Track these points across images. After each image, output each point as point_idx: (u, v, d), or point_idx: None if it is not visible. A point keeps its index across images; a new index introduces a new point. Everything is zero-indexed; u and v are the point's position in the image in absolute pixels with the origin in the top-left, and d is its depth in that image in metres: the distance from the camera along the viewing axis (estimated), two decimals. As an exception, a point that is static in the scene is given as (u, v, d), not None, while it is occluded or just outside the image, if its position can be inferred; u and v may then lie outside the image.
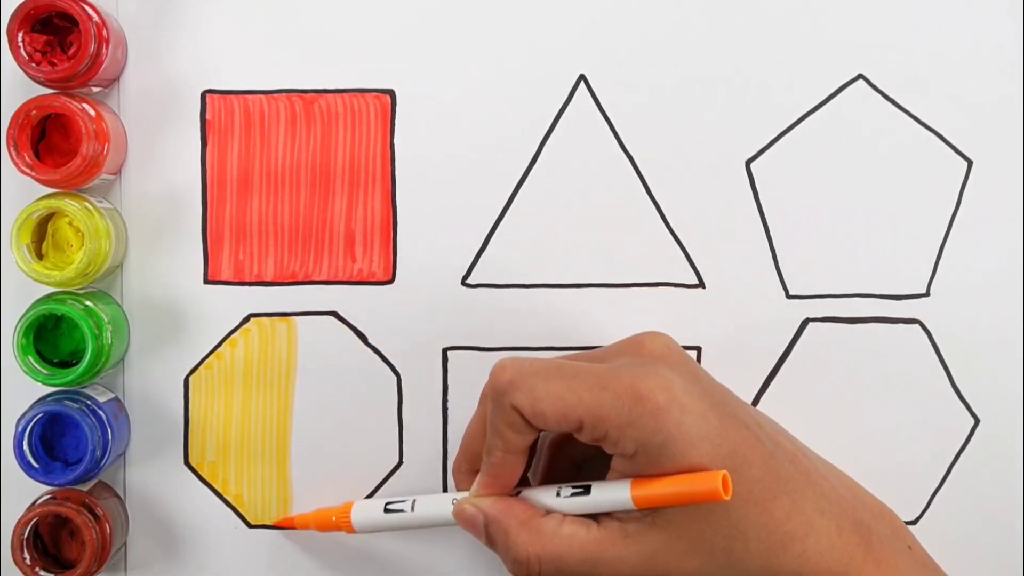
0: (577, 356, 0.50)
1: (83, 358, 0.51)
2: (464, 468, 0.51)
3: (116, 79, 0.55)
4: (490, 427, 0.48)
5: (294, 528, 0.55)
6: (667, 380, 0.45)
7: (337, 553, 0.56)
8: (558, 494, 0.48)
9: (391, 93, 0.55)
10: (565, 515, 0.47)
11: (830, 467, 0.51)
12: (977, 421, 0.56)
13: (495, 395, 0.47)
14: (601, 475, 0.47)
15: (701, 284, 0.55)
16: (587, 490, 0.47)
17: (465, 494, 0.50)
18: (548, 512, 0.48)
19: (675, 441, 0.44)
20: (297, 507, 0.56)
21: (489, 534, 0.48)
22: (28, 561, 0.51)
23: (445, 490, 0.56)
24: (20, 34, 0.51)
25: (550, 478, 0.51)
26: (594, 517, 0.47)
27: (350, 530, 0.53)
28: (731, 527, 0.45)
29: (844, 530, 0.46)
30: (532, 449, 0.49)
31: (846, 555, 0.46)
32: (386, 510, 0.52)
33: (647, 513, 0.46)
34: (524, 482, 0.50)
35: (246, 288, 0.55)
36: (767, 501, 0.45)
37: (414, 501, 0.51)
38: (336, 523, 0.53)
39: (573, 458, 0.51)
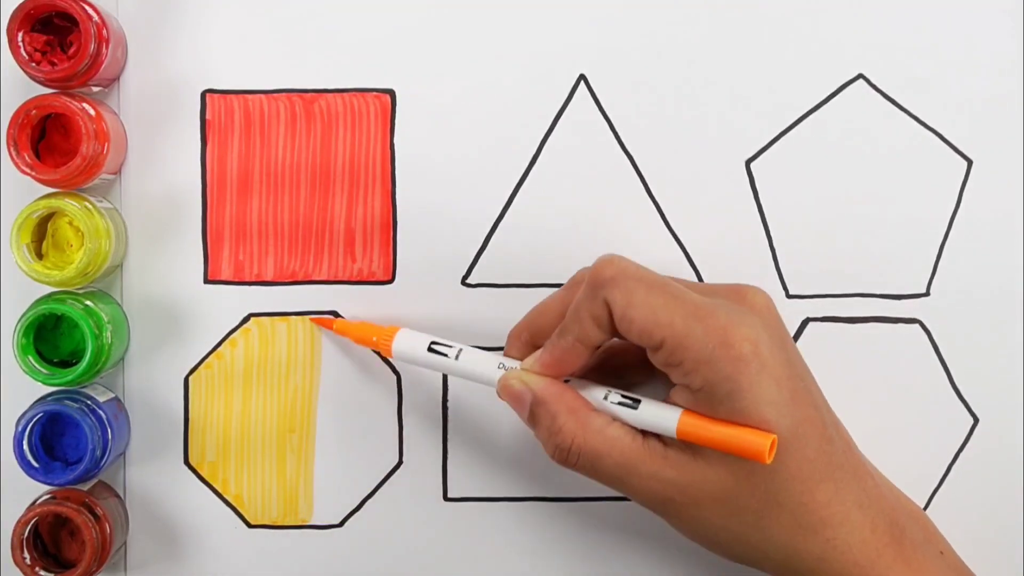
0: (677, 282, 0.49)
1: (83, 358, 0.51)
2: (523, 338, 0.51)
3: (116, 79, 0.55)
4: (573, 311, 0.47)
5: (331, 330, 0.54)
6: (757, 335, 0.45)
7: (337, 553, 0.56)
8: (605, 397, 0.48)
9: (391, 93, 0.55)
10: (614, 417, 0.47)
11: (874, 467, 0.51)
12: (976, 421, 0.56)
13: (593, 284, 0.47)
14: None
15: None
16: (635, 404, 0.47)
17: (512, 362, 0.50)
18: (596, 409, 0.48)
19: (743, 395, 0.45)
20: (297, 507, 0.56)
21: (534, 414, 0.48)
22: (28, 561, 0.51)
23: (445, 491, 0.56)
24: (20, 34, 0.51)
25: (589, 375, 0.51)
26: (639, 430, 0.47)
27: (388, 353, 0.52)
28: (770, 494, 0.46)
29: (878, 528, 0.47)
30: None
31: (874, 552, 0.46)
32: (430, 348, 0.51)
33: (691, 447, 0.46)
34: None
35: (246, 288, 0.55)
36: (813, 482, 0.46)
37: (460, 350, 0.51)
38: (376, 343, 0.53)
39: (616, 369, 0.51)
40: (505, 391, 0.49)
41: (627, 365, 0.51)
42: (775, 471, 0.45)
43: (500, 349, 0.54)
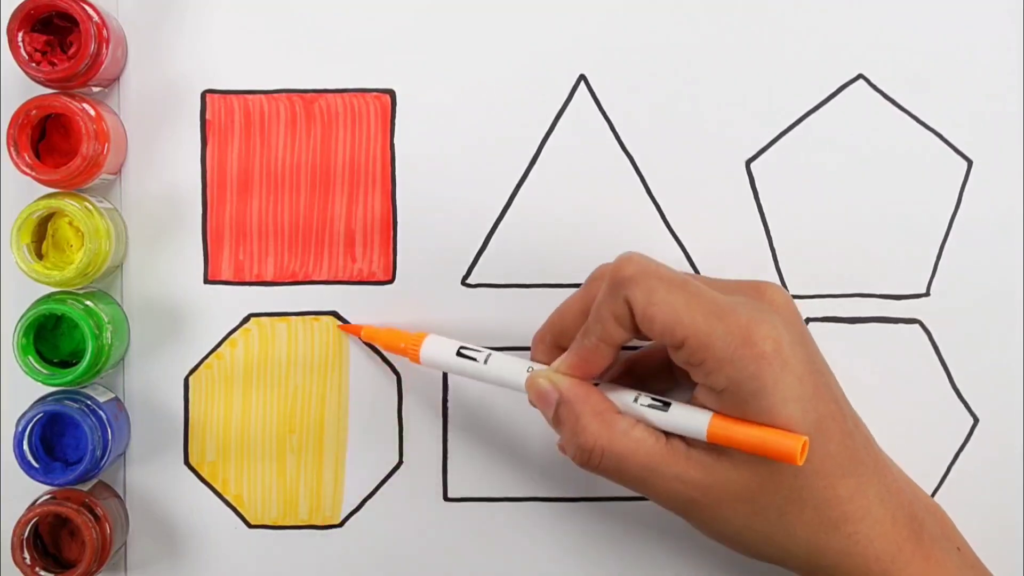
0: (696, 278, 0.49)
1: (83, 358, 0.51)
2: (548, 340, 0.51)
3: (116, 79, 0.55)
4: (595, 311, 0.48)
5: (359, 337, 0.54)
6: (779, 332, 0.45)
7: (337, 553, 0.56)
8: (635, 400, 0.48)
9: (391, 93, 0.55)
10: (638, 420, 0.47)
11: (893, 463, 0.51)
12: (976, 420, 0.56)
13: (613, 283, 0.47)
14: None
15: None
16: (665, 406, 0.47)
17: (540, 366, 0.50)
18: (621, 411, 0.48)
19: (768, 393, 0.45)
20: (297, 507, 0.56)
21: (559, 414, 0.48)
22: (28, 561, 0.51)
23: (445, 491, 0.56)
24: (20, 34, 0.51)
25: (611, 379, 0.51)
26: (662, 432, 0.47)
27: (416, 360, 0.52)
28: (793, 491, 0.46)
29: (898, 522, 0.47)
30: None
31: (895, 546, 0.47)
32: (459, 353, 0.51)
33: (715, 447, 0.46)
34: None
35: (246, 288, 0.55)
36: (835, 477, 0.46)
37: (489, 355, 0.51)
38: (404, 349, 0.53)
39: (639, 377, 0.51)
40: (532, 390, 0.49)
41: (648, 373, 0.51)
42: (798, 467, 0.45)
43: (501, 349, 0.54)
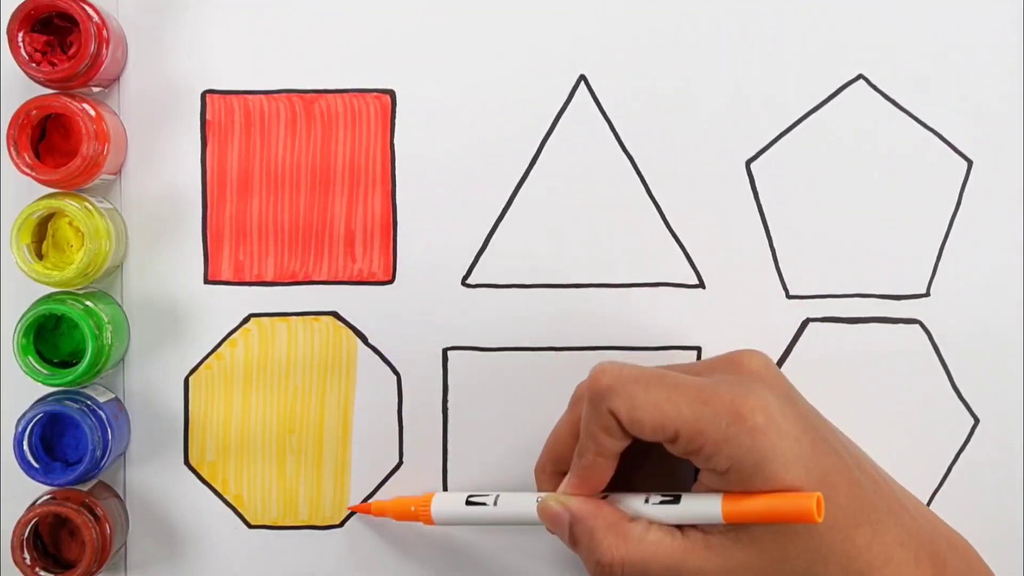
0: (671, 368, 0.50)
1: (83, 358, 0.51)
2: (548, 469, 0.52)
3: (116, 79, 0.55)
4: (584, 429, 0.48)
5: (370, 514, 0.55)
6: (766, 401, 0.45)
7: (337, 553, 0.56)
8: (646, 501, 0.48)
9: (391, 93, 0.55)
10: (651, 522, 0.47)
11: (908, 495, 0.51)
12: (977, 421, 0.56)
13: (593, 398, 0.47)
14: (660, 476, 0.48)
15: (701, 284, 0.55)
16: (676, 499, 0.47)
17: (547, 495, 0.50)
18: (633, 518, 0.48)
19: (769, 462, 0.45)
20: (297, 507, 0.56)
21: (573, 533, 0.48)
22: (28, 561, 0.51)
23: (445, 488, 0.56)
24: (20, 34, 0.51)
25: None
26: (677, 526, 0.47)
27: (428, 521, 0.52)
28: (814, 551, 0.46)
29: (922, 562, 0.47)
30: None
31: None
32: (468, 503, 0.51)
33: (731, 528, 0.46)
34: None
35: (246, 288, 0.55)
36: (850, 528, 0.46)
37: (497, 497, 0.51)
38: (415, 513, 0.53)
39: (630, 459, 0.51)
40: (544, 514, 0.49)
41: (654, 459, 0.51)
42: (813, 527, 0.45)
43: (501, 350, 0.54)
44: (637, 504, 0.48)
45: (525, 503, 0.50)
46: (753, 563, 0.46)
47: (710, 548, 0.46)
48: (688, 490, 0.48)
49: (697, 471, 0.47)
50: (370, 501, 0.55)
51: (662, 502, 0.47)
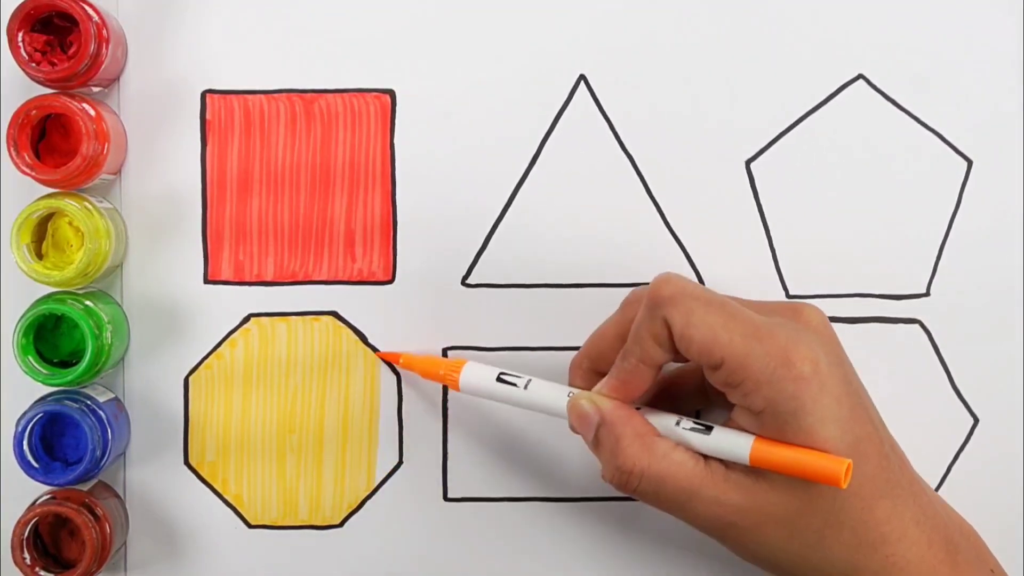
0: (733, 300, 0.49)
1: (83, 358, 0.51)
2: (585, 366, 0.51)
3: (116, 79, 0.55)
4: (634, 333, 0.47)
5: (398, 364, 0.54)
6: (816, 354, 0.45)
7: (337, 553, 0.56)
8: (677, 423, 0.48)
9: (391, 93, 0.55)
10: (677, 443, 0.47)
11: (926, 482, 0.51)
12: (976, 421, 0.56)
13: (651, 304, 0.47)
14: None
15: (701, 284, 0.55)
16: (708, 430, 0.47)
17: (580, 392, 0.50)
18: (661, 435, 0.48)
19: (806, 414, 0.45)
20: (297, 507, 0.56)
21: (599, 436, 0.48)
22: (28, 561, 0.51)
23: (445, 491, 0.56)
24: (20, 34, 0.51)
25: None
26: (702, 456, 0.47)
27: (455, 386, 0.52)
28: (831, 513, 0.46)
29: (934, 544, 0.47)
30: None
31: (930, 569, 0.47)
32: (499, 379, 0.51)
33: (755, 470, 0.46)
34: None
35: (246, 288, 0.55)
36: (872, 499, 0.46)
37: (529, 381, 0.51)
38: (443, 376, 0.52)
39: (673, 398, 0.51)
40: (573, 412, 0.49)
41: (683, 393, 0.51)
42: (837, 490, 0.45)
43: (501, 350, 0.54)
44: (668, 423, 0.48)
45: (555, 395, 0.50)
46: (768, 509, 0.46)
47: (729, 482, 0.46)
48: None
49: (730, 409, 0.47)
50: (401, 355, 0.54)
51: (693, 429, 0.47)
